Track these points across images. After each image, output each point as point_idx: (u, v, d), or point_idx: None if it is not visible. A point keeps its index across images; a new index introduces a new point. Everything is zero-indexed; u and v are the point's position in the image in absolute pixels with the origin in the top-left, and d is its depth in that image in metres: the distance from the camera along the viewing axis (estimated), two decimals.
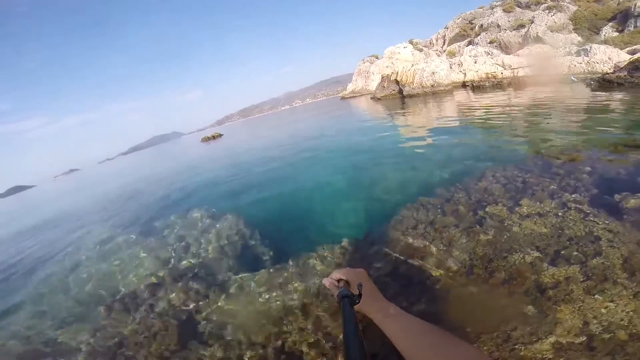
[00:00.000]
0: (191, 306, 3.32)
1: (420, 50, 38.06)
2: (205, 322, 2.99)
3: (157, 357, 2.76)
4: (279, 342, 2.36)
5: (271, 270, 3.48)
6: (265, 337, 2.47)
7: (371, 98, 28.43)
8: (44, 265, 6.59)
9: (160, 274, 4.29)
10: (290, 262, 3.51)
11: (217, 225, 5.37)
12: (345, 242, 3.53)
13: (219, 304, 3.19)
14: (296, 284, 3.06)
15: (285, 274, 3.29)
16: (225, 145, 22.53)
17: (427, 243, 2.81)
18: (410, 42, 39.91)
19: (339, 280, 0.81)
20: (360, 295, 0.72)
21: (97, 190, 19.36)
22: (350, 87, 52.71)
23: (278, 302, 2.89)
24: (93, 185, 24.79)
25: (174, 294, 3.65)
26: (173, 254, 4.77)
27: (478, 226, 2.84)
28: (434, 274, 2.41)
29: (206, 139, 32.81)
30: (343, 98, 51.68)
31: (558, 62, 15.69)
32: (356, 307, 0.71)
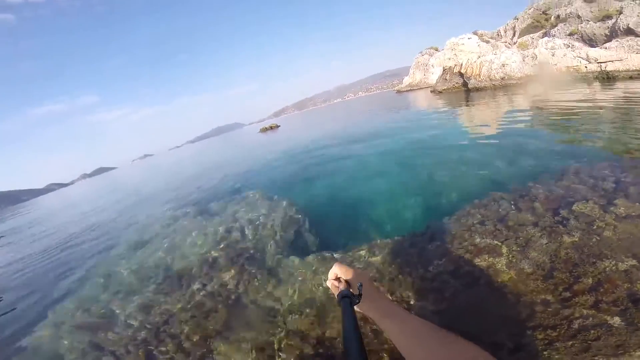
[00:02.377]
0: (241, 288, 3.39)
1: (487, 42, 35.02)
2: (253, 305, 3.02)
3: (201, 336, 2.82)
4: (320, 332, 2.31)
5: (320, 257, 3.45)
6: (308, 325, 2.43)
7: (431, 91, 26.97)
8: (109, 238, 7.44)
9: (214, 253, 4.45)
10: (340, 252, 3.47)
11: (272, 210, 5.49)
12: (399, 236, 3.38)
13: (268, 288, 3.21)
14: None
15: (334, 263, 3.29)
16: (282, 136, 23.29)
17: (497, 242, 2.58)
18: (475, 34, 36.95)
19: (339, 280, 0.80)
20: (360, 295, 0.70)
21: (165, 173, 21.53)
22: (406, 80, 50.69)
23: (324, 291, 2.86)
24: (163, 168, 27.61)
25: (225, 274, 3.77)
26: (228, 235, 4.94)
27: (561, 226, 2.54)
28: (503, 276, 2.21)
29: (264, 130, 34.27)
30: (399, 91, 49.93)
31: None
32: (358, 307, 0.70)
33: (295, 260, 3.58)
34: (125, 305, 3.86)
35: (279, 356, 2.23)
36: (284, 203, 5.69)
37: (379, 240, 3.43)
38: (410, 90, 45.05)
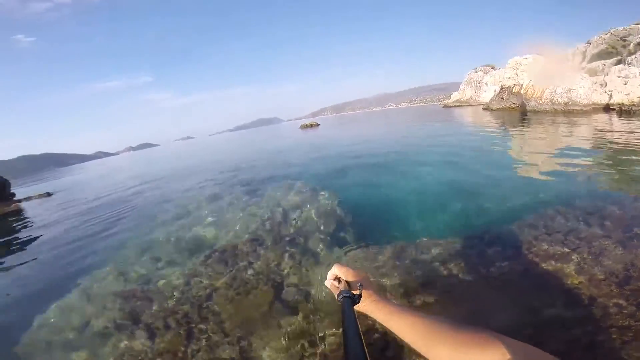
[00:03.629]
0: (285, 271, 3.40)
1: (553, 64, 33.03)
2: (294, 288, 3.03)
3: (241, 314, 2.84)
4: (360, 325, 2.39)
5: (363, 249, 3.45)
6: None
7: (484, 109, 26.03)
8: (154, 209, 7.77)
9: (260, 233, 4.54)
10: (381, 245, 3.44)
11: (314, 199, 5.62)
12: (452, 238, 3.35)
13: (310, 274, 3.22)
14: (385, 268, 2.98)
15: (380, 257, 3.21)
16: (323, 134, 23.72)
17: (567, 249, 2.59)
18: (540, 55, 34.99)
19: (339, 280, 0.80)
20: (360, 295, 0.70)
21: (208, 155, 22.60)
22: (455, 95, 49.18)
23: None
24: (204, 151, 29.02)
25: (270, 255, 3.80)
26: (272, 217, 5.06)
27: (636, 241, 2.50)
28: (572, 280, 2.26)
29: (304, 127, 34.99)
30: (446, 106, 48.52)
31: None
32: (358, 307, 0.70)
33: (336, 250, 3.63)
34: (168, 275, 3.82)
35: (317, 345, 2.22)
36: (326, 194, 5.82)
37: (424, 239, 3.44)
38: (459, 106, 43.61)
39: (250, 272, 3.53)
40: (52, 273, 5.04)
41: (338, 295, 0.71)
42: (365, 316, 0.73)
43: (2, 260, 6.34)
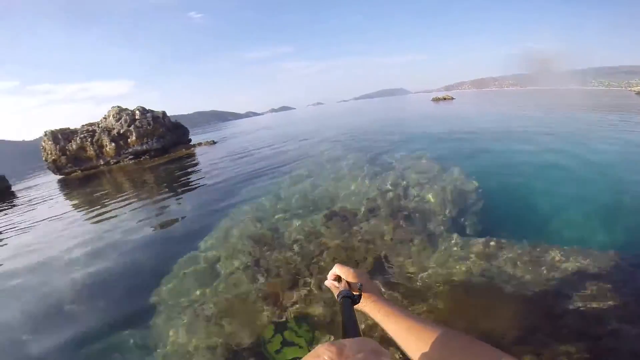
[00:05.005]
0: (393, 244, 3.31)
1: None
2: (397, 268, 2.92)
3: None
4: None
5: (490, 243, 3.06)
6: (454, 305, 2.30)
7: None
8: (291, 165, 8.49)
9: (378, 202, 4.48)
10: (513, 242, 3.02)
11: (441, 177, 5.17)
12: (612, 250, 2.76)
13: (419, 255, 3.05)
14: (520, 270, 2.60)
15: (510, 255, 2.83)
16: (457, 109, 21.35)
17: None
18: None
19: (339, 280, 0.77)
20: (360, 295, 0.69)
21: (341, 120, 23.60)
22: None
23: (485, 279, 2.54)
24: (335, 116, 30.43)
25: (384, 226, 3.74)
26: (393, 189, 4.93)
27: None
28: None
29: (436, 99, 32.39)
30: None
31: None
32: (358, 307, 0.69)
33: (456, 237, 3.29)
34: (292, 227, 4.16)
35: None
36: (456, 172, 5.23)
37: (574, 247, 2.87)
38: None
39: (359, 238, 3.60)
40: (206, 206, 6.33)
41: (338, 295, 0.71)
42: (365, 317, 0.74)
43: (172, 194, 8.48)
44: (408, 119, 17.01)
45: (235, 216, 5.10)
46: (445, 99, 32.77)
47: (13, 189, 17.14)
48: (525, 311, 2.18)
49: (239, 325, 2.60)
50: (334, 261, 2.61)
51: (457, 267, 2.78)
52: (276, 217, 4.67)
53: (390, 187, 5.01)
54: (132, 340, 2.73)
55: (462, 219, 3.81)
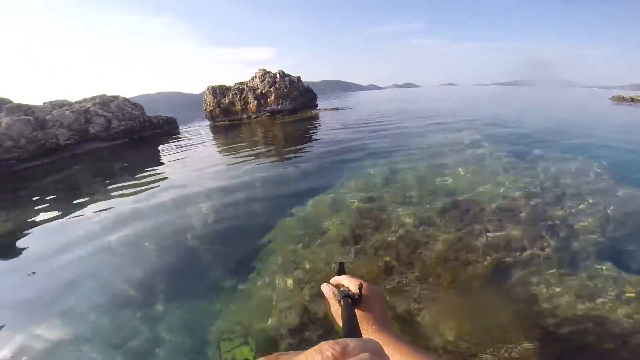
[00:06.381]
0: (523, 262, 2.76)
1: None
2: (518, 288, 2.47)
3: (444, 279, 2.58)
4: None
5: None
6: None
7: None
8: (408, 140, 8.19)
9: (516, 203, 3.87)
10: None
11: (610, 192, 4.18)
12: None
13: (554, 283, 2.47)
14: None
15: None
16: None
17: None
18: None
19: (340, 287, 0.75)
20: (360, 295, 0.67)
21: (481, 106, 20.70)
22: None
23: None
24: (474, 99, 26.76)
25: (515, 234, 3.17)
26: (540, 192, 4.20)
27: None
28: None
29: (618, 99, 24.68)
30: None
31: None
32: (357, 307, 0.67)
33: (609, 267, 2.62)
34: (402, 211, 3.86)
35: None
36: (630, 189, 4.20)
37: None
38: None
39: (481, 241, 3.11)
40: (320, 167, 6.67)
41: (338, 296, 0.69)
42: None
43: (294, 151, 9.12)
44: (592, 122, 11.77)
45: (345, 184, 5.20)
46: (633, 100, 24.75)
47: (180, 129, 21.85)
48: None
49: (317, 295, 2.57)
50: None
51: (600, 301, 2.26)
52: (392, 194, 4.51)
53: (537, 191, 4.27)
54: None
55: (624, 245, 3.04)
